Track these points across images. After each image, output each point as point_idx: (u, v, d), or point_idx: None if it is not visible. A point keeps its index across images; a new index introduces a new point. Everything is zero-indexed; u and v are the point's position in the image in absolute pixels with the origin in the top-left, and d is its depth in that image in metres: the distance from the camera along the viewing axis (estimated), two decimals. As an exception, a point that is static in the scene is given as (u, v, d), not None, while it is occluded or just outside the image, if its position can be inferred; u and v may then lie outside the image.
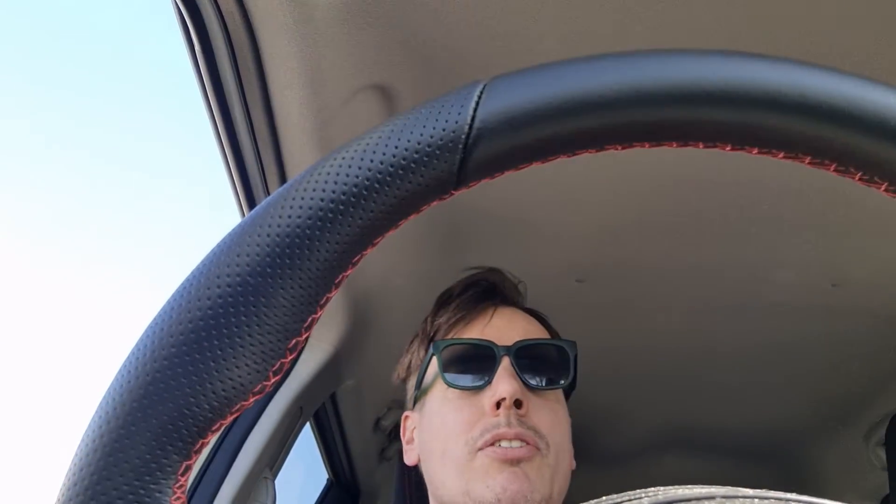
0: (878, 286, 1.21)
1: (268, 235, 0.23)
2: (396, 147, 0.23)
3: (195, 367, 0.22)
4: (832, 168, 0.25)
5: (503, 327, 0.79)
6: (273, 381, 0.23)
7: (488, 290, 0.83)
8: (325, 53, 0.73)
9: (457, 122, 0.24)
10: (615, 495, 0.25)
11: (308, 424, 1.30)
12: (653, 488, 0.25)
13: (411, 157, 0.23)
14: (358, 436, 1.44)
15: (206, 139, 0.87)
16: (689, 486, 0.25)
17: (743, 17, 0.73)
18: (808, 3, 0.72)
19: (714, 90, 0.24)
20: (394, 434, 1.52)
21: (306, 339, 0.24)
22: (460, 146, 0.24)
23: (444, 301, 0.84)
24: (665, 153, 0.90)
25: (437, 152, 0.23)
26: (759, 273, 1.20)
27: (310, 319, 0.23)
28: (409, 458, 0.82)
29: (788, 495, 0.23)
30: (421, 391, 0.81)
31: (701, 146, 0.25)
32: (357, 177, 0.23)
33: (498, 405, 0.72)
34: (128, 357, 0.23)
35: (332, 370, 1.20)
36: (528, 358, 0.76)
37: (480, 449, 0.71)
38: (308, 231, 0.23)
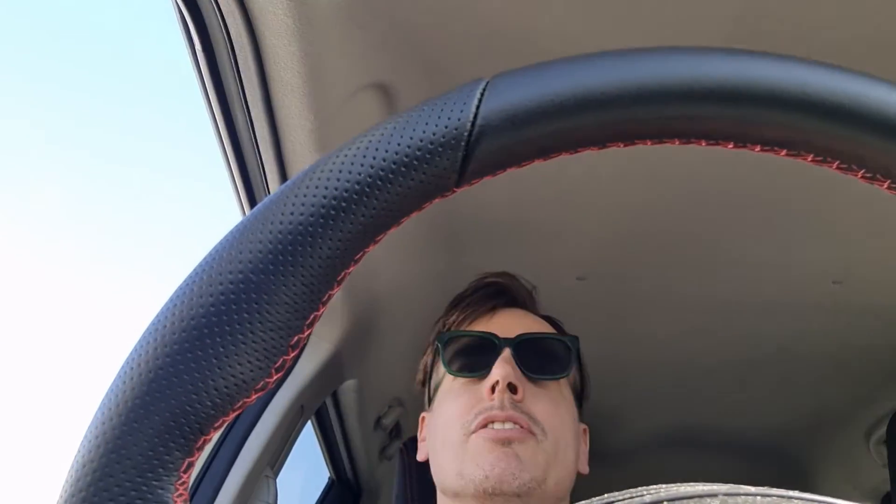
0: (879, 283, 1.21)
1: (270, 232, 0.23)
2: (399, 144, 0.23)
3: (197, 364, 0.22)
4: (835, 166, 0.25)
5: (507, 323, 0.80)
6: (275, 377, 0.23)
7: (497, 292, 0.85)
8: (325, 53, 0.73)
9: (459, 120, 0.24)
10: (617, 493, 0.25)
11: (310, 423, 1.30)
12: (654, 486, 0.25)
13: (413, 154, 0.23)
14: (359, 434, 1.44)
15: (206, 139, 0.87)
16: (692, 483, 0.25)
17: (744, 16, 0.73)
18: (809, 1, 0.72)
19: (716, 87, 0.24)
20: (395, 432, 1.52)
21: (308, 335, 0.24)
22: (462, 143, 0.24)
23: (455, 303, 0.87)
24: (666, 150, 0.90)
25: (440, 149, 0.23)
26: (760, 271, 1.20)
27: (312, 316, 0.23)
28: (419, 454, 0.84)
29: (790, 493, 0.23)
30: (433, 389, 0.83)
31: (703, 144, 0.25)
32: (359, 174, 0.23)
33: (493, 390, 0.74)
34: (130, 354, 0.23)
35: (333, 369, 1.20)
36: (529, 350, 0.78)
37: (474, 432, 0.73)
38: (310, 228, 0.23)
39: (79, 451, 0.22)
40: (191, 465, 0.23)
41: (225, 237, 0.24)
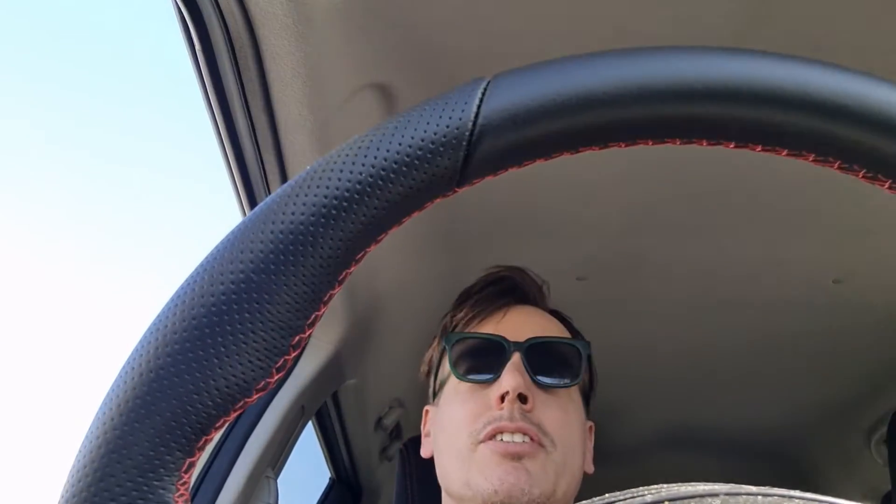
0: (879, 282, 1.21)
1: (271, 232, 0.23)
2: (400, 144, 0.23)
3: (199, 364, 0.22)
4: (836, 166, 0.25)
5: (517, 324, 0.78)
6: (276, 377, 0.23)
7: (507, 288, 0.83)
8: (325, 53, 0.73)
9: (460, 119, 0.24)
10: (618, 493, 0.25)
11: (310, 423, 1.30)
12: (656, 485, 0.25)
13: (415, 153, 0.23)
14: (360, 434, 1.44)
15: (206, 139, 0.87)
16: (693, 483, 0.25)
17: (745, 15, 0.73)
18: (809, 1, 0.72)
19: (717, 87, 0.24)
20: (395, 433, 1.52)
21: (309, 335, 0.24)
22: (464, 143, 0.24)
23: (463, 298, 0.85)
24: (667, 150, 0.90)
25: (441, 149, 0.23)
26: (760, 270, 1.20)
27: (313, 316, 0.23)
28: (424, 451, 0.83)
29: (791, 492, 0.23)
30: (438, 385, 0.82)
31: (704, 143, 0.25)
32: (360, 174, 0.23)
33: (503, 399, 0.72)
34: (131, 354, 0.23)
35: (333, 369, 1.20)
36: (539, 355, 0.76)
37: (482, 441, 0.71)
38: (311, 228, 0.23)
39: (80, 451, 0.22)
40: (192, 465, 0.23)
41: (226, 237, 0.24)
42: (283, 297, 0.23)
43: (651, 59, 0.24)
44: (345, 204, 0.23)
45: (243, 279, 0.23)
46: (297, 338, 0.23)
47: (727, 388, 1.56)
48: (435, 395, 0.83)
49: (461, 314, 0.82)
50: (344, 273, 0.24)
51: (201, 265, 0.23)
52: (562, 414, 0.75)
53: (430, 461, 0.81)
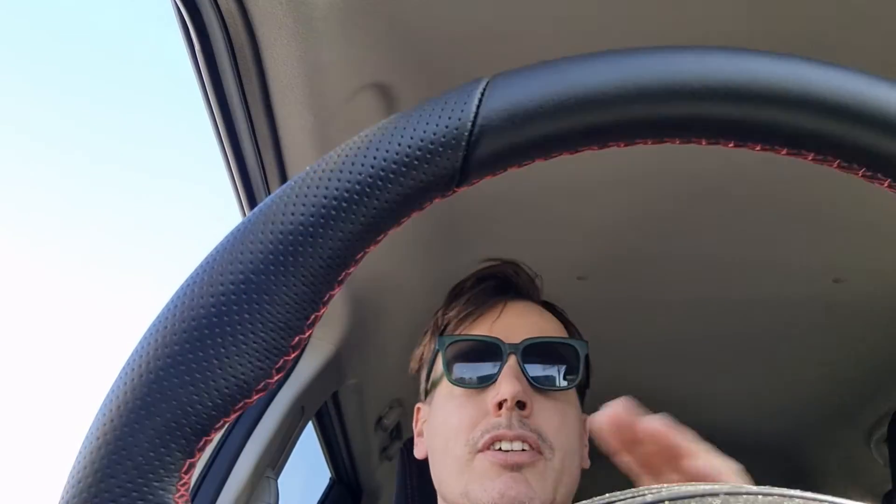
0: (880, 282, 1.21)
1: (271, 232, 0.23)
2: (399, 144, 0.23)
3: (199, 365, 0.22)
4: (836, 165, 0.25)
5: (513, 324, 0.76)
6: (276, 378, 0.23)
7: (501, 285, 0.81)
8: (325, 53, 0.73)
9: (460, 119, 0.24)
10: (619, 492, 0.25)
11: (311, 424, 1.30)
12: (656, 485, 0.25)
13: (414, 153, 0.23)
14: (360, 435, 1.44)
15: (206, 139, 0.87)
16: (693, 482, 0.25)
17: (745, 15, 0.73)
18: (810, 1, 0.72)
19: (717, 86, 0.24)
20: (395, 433, 1.52)
21: (309, 336, 0.24)
22: (463, 143, 0.24)
23: (455, 294, 0.82)
24: (667, 149, 0.90)
25: (441, 149, 0.23)
26: (760, 269, 1.20)
27: (313, 317, 0.23)
28: (418, 452, 0.81)
29: (792, 492, 0.23)
30: (430, 384, 0.80)
31: (704, 143, 0.25)
32: (360, 174, 0.23)
33: (500, 406, 0.70)
34: (131, 355, 0.23)
35: (333, 369, 1.20)
36: (536, 356, 0.74)
37: (480, 451, 0.70)
38: (311, 228, 0.23)
39: (80, 452, 0.22)
40: (192, 465, 0.23)
41: (226, 237, 0.24)
42: (283, 297, 0.23)
43: (650, 58, 0.24)
44: (345, 204, 0.23)
45: (243, 279, 0.23)
46: (296, 338, 0.23)
47: (728, 387, 1.56)
48: (427, 393, 0.81)
49: (453, 312, 0.79)
50: (344, 273, 0.24)
51: (201, 266, 0.23)
52: (560, 418, 0.73)
53: None
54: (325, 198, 0.23)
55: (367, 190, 0.23)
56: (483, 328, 0.77)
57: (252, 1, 0.67)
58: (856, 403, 1.56)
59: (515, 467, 0.69)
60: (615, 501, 0.24)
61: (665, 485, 0.25)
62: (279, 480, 1.15)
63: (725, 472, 0.51)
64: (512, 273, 0.82)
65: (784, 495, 0.23)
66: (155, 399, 0.22)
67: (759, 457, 1.79)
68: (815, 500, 0.23)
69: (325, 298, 0.24)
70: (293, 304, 0.23)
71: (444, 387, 0.76)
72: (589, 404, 0.88)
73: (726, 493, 0.23)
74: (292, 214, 0.23)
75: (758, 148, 0.25)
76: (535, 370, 0.73)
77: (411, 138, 0.23)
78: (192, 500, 0.96)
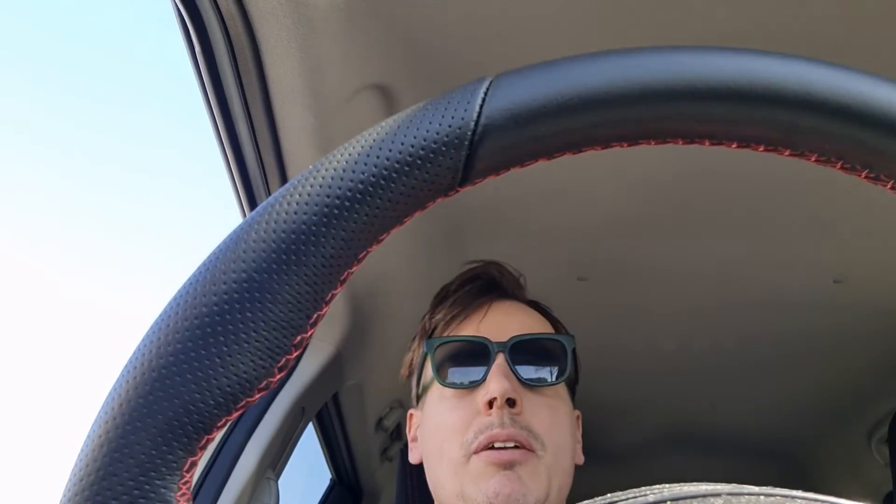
0: (880, 282, 1.21)
1: (273, 231, 0.23)
2: (402, 143, 0.23)
3: (201, 364, 0.22)
4: (838, 166, 0.25)
5: (499, 322, 0.77)
6: (278, 377, 0.23)
7: (486, 285, 0.81)
8: (325, 53, 0.73)
9: (463, 119, 0.24)
10: (620, 493, 0.25)
11: (311, 425, 1.30)
12: (658, 485, 0.25)
13: (417, 153, 0.23)
14: (360, 436, 1.44)
15: (206, 140, 0.87)
16: (695, 483, 0.25)
17: (746, 15, 0.73)
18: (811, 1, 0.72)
19: (720, 87, 0.24)
20: (396, 434, 1.52)
21: (311, 335, 0.24)
22: (466, 143, 0.23)
23: (441, 298, 0.82)
24: (669, 150, 0.90)
25: (443, 149, 0.23)
26: (761, 270, 1.20)
27: (315, 316, 0.23)
28: (413, 457, 0.82)
29: (793, 492, 0.23)
30: (421, 389, 0.80)
31: (707, 143, 0.25)
32: (363, 173, 0.23)
33: (491, 404, 0.71)
34: (133, 353, 0.23)
35: (334, 370, 1.20)
36: (524, 353, 0.74)
37: (475, 453, 0.70)
38: (314, 227, 0.23)
39: (82, 450, 0.22)
40: (194, 464, 0.23)
41: (229, 235, 0.24)
42: (285, 296, 0.23)
43: (653, 58, 0.24)
44: (347, 203, 0.23)
45: (245, 278, 0.23)
46: (299, 337, 0.23)
47: (728, 388, 1.56)
48: (418, 399, 0.81)
49: (440, 315, 0.80)
50: (346, 272, 0.24)
51: (203, 264, 0.23)
52: (550, 413, 0.73)
53: None
54: (328, 196, 0.23)
55: (370, 189, 0.23)
56: (470, 329, 0.77)
57: (252, 1, 0.67)
58: (856, 404, 1.56)
59: (508, 465, 0.69)
60: (617, 501, 0.24)
61: (667, 485, 0.25)
62: (279, 482, 1.15)
63: None
64: (496, 273, 0.83)
65: (786, 496, 0.23)
66: (157, 397, 0.22)
67: (759, 457, 1.79)
68: (816, 500, 0.23)
69: (328, 297, 0.24)
70: (295, 302, 0.23)
71: (435, 389, 0.77)
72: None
73: (728, 494, 0.23)
74: (295, 213, 0.23)
75: (761, 149, 0.25)
76: (524, 367, 0.74)
77: (414, 137, 0.23)
78: (194, 499, 0.96)
